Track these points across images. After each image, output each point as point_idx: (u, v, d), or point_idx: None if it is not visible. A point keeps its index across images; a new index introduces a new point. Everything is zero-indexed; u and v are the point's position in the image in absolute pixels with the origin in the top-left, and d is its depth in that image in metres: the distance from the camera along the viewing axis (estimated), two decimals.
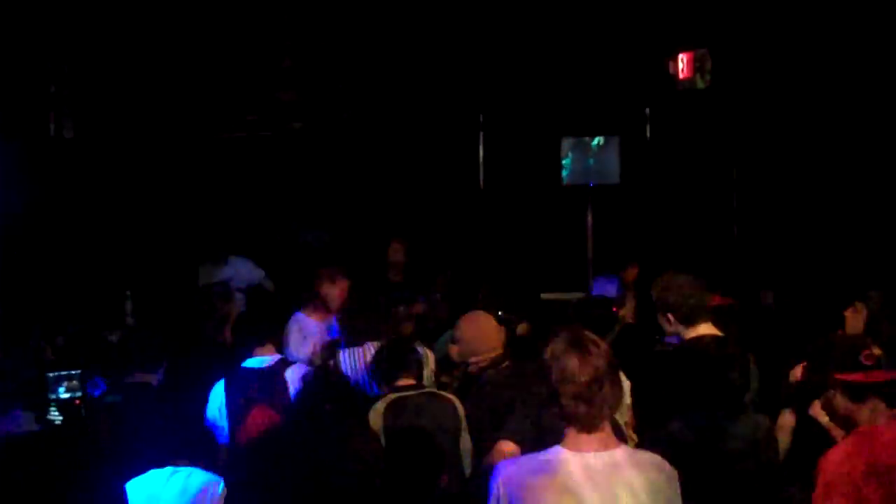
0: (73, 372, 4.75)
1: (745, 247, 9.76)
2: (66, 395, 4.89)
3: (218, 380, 5.60)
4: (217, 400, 5.52)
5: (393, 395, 5.11)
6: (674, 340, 7.43)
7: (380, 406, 5.06)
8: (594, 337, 3.39)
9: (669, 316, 5.04)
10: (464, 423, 5.13)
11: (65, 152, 9.89)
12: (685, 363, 4.53)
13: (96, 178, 9.67)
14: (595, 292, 8.94)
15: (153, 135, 10.52)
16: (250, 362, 5.63)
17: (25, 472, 4.38)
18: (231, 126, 10.98)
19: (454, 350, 5.50)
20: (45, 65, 10.01)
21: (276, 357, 5.70)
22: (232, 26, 10.51)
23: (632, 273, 8.96)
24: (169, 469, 4.64)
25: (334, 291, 6.93)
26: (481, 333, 5.38)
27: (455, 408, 5.19)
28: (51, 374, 4.64)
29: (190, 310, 6.46)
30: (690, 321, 5.01)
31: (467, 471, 5.09)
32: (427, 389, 5.36)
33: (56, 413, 5.89)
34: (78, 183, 9.57)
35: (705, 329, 4.98)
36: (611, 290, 8.78)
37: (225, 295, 6.64)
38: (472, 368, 5.36)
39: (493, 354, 5.31)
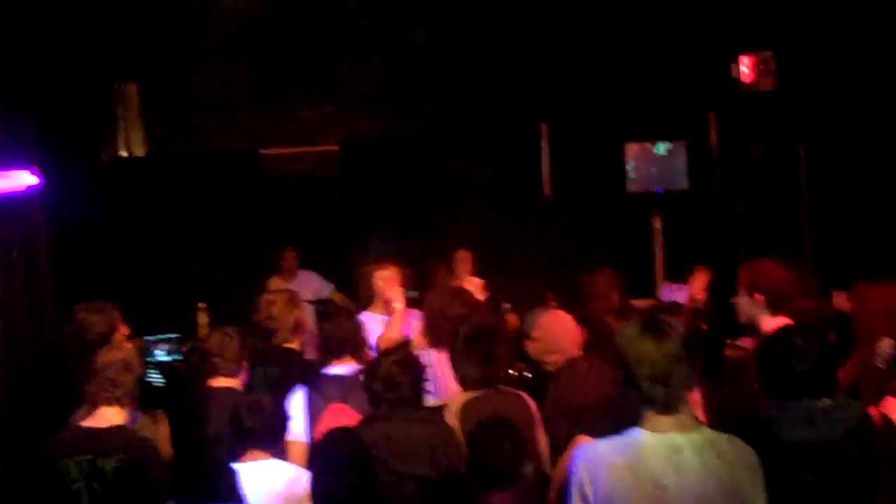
0: (173, 335, 4.82)
1: (816, 251, 9.65)
2: (167, 358, 4.95)
3: (293, 386, 5.70)
4: (298, 403, 5.58)
5: (467, 395, 5.14)
6: (744, 343, 7.42)
7: (453, 406, 5.09)
8: (669, 318, 3.40)
9: (758, 297, 5.02)
10: (537, 418, 5.14)
11: (138, 171, 10.05)
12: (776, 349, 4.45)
13: (169, 194, 9.81)
14: (663, 299, 8.90)
15: (224, 150, 10.66)
16: (331, 370, 5.73)
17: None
18: (298, 139, 11.08)
19: (531, 346, 5.50)
20: (111, 86, 10.18)
21: (356, 366, 5.76)
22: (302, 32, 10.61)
23: (701, 278, 8.84)
24: (252, 464, 4.71)
25: (386, 280, 6.99)
26: (561, 332, 5.40)
27: (526, 403, 5.21)
28: (149, 338, 4.71)
29: (261, 318, 6.51)
30: (776, 307, 4.99)
31: (545, 466, 5.11)
32: (498, 387, 5.37)
33: (157, 375, 6.03)
34: (151, 200, 9.72)
35: (783, 322, 4.95)
36: (679, 296, 8.72)
37: (292, 302, 6.68)
38: (549, 367, 5.37)
39: (571, 354, 5.32)
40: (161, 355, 5.52)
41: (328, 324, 5.97)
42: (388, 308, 6.90)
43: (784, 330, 4.64)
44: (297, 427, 5.55)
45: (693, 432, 3.34)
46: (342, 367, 5.76)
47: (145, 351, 5.92)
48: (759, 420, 4.18)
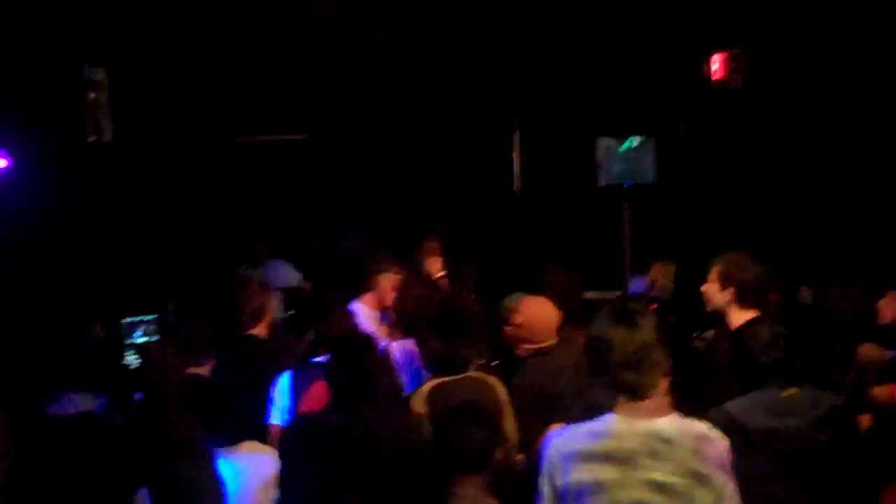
0: (149, 317, 4.80)
1: (781, 245, 9.73)
2: (143, 339, 4.94)
3: (262, 372, 5.72)
4: (283, 387, 5.58)
5: (435, 380, 5.14)
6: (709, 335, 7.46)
7: (424, 389, 5.10)
8: (640, 307, 3.44)
9: (730, 290, 5.05)
10: (505, 403, 5.14)
11: (105, 156, 9.99)
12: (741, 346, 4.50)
13: (136, 180, 9.76)
14: (631, 291, 8.95)
15: (192, 137, 10.61)
16: (320, 358, 5.73)
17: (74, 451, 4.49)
18: (268, 128, 11.06)
19: (509, 331, 5.49)
20: (82, 70, 10.12)
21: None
22: (276, 26, 10.58)
23: (669, 271, 8.89)
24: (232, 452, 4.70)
25: (390, 284, 7.03)
26: (544, 320, 5.38)
27: (494, 388, 5.21)
28: (127, 320, 4.69)
29: (226, 305, 6.49)
30: (745, 303, 5.03)
31: (513, 451, 5.13)
32: (468, 373, 5.37)
33: (134, 357, 6.01)
34: (118, 186, 9.67)
35: (752, 315, 4.99)
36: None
37: (260, 287, 6.66)
38: (519, 352, 5.36)
39: (549, 343, 5.32)
40: (138, 337, 5.52)
41: (323, 320, 5.97)
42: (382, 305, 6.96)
43: (752, 322, 4.71)
44: (280, 412, 5.56)
45: (664, 418, 3.38)
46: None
47: (124, 333, 5.91)
48: (723, 408, 4.21)
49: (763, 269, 5.18)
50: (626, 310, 3.43)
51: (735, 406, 4.19)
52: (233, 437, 4.76)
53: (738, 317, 5.05)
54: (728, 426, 3.61)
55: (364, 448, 4.47)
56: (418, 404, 5.04)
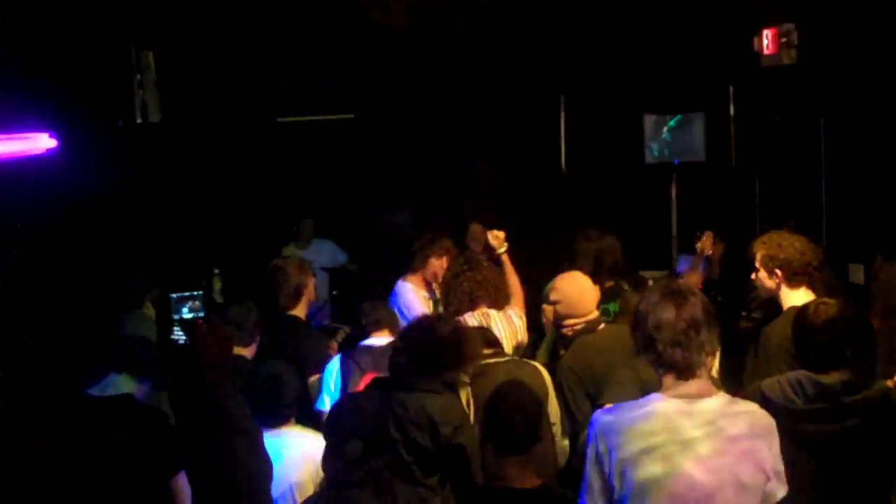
0: (196, 293, 4.78)
1: (832, 224, 9.61)
2: (190, 315, 4.93)
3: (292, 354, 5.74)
4: (331, 373, 5.61)
5: (479, 363, 5.14)
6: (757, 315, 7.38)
7: (468, 371, 5.10)
8: (689, 285, 3.42)
9: (777, 272, 4.99)
10: (551, 389, 5.14)
11: (153, 136, 10.06)
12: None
13: (185, 160, 9.82)
14: (679, 270, 8.87)
15: (237, 118, 10.65)
16: (369, 340, 5.75)
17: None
18: (315, 108, 11.07)
19: (549, 310, 5.49)
20: (129, 53, 10.18)
21: (391, 338, 5.77)
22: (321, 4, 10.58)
23: (707, 242, 8.74)
24: (274, 432, 4.71)
25: (441, 264, 7.04)
26: (582, 294, 5.38)
27: (540, 372, 5.21)
28: (174, 295, 4.68)
29: (267, 285, 6.50)
30: (795, 281, 4.96)
31: (558, 436, 5.11)
32: (511, 357, 5.39)
33: (180, 332, 6.03)
34: (166, 166, 9.73)
35: (804, 296, 4.92)
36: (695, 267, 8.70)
37: (299, 267, 6.66)
38: (566, 331, 5.35)
39: (590, 317, 5.30)
40: (185, 312, 5.53)
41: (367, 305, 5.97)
42: (431, 287, 6.98)
43: (810, 304, 4.59)
44: (330, 397, 5.59)
45: (711, 397, 3.35)
46: (377, 339, 5.78)
47: (172, 308, 5.90)
48: (757, 385, 4.16)
49: (805, 241, 5.10)
50: (673, 287, 3.41)
51: (768, 384, 4.13)
52: (277, 420, 4.77)
53: (791, 297, 4.99)
54: (760, 404, 3.55)
55: (407, 430, 4.50)
56: (461, 384, 5.05)
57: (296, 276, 6.38)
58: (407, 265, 7.42)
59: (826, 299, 4.34)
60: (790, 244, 5.06)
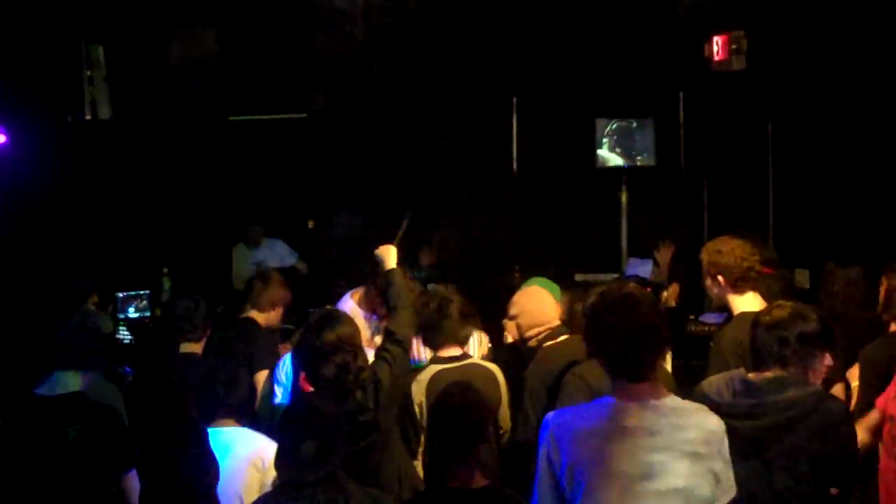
0: (143, 292, 4.74)
1: (779, 228, 9.71)
2: (136, 315, 4.89)
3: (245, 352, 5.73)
4: (285, 365, 5.59)
5: (436, 367, 5.17)
6: (710, 319, 7.42)
7: (423, 378, 5.12)
8: (641, 288, 3.44)
9: (720, 279, 4.99)
10: (504, 391, 5.17)
11: (102, 133, 9.98)
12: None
13: (133, 158, 9.74)
14: (628, 273, 8.94)
15: (189, 116, 10.58)
16: None
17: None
18: (265, 108, 11.03)
19: (511, 326, 5.52)
20: (79, 48, 10.08)
21: None
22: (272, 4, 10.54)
23: (667, 252, 8.92)
24: (218, 430, 4.68)
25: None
26: (540, 305, 5.40)
27: (494, 376, 5.25)
28: (120, 294, 4.63)
29: (246, 290, 6.51)
30: (739, 287, 4.97)
31: (503, 439, 5.15)
32: (469, 360, 5.40)
33: (126, 332, 5.98)
34: (115, 163, 9.65)
35: (752, 300, 4.94)
36: (644, 271, 8.78)
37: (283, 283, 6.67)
38: (531, 343, 5.37)
39: (551, 325, 5.32)
40: (131, 312, 5.51)
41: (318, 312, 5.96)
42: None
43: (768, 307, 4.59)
44: (283, 393, 5.57)
45: (662, 399, 3.37)
46: None
47: (116, 307, 5.88)
48: (699, 386, 4.17)
49: (747, 246, 5.10)
50: (625, 290, 3.43)
51: (707, 382, 4.15)
52: (225, 418, 4.74)
53: (738, 302, 5.01)
54: (701, 402, 3.58)
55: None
56: (418, 392, 5.06)
57: (278, 291, 6.37)
58: (356, 274, 7.27)
59: (782, 302, 4.35)
60: (730, 250, 5.03)
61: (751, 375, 4.04)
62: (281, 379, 5.63)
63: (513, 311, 5.48)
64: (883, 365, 4.97)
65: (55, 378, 4.74)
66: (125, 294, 5.45)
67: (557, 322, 5.37)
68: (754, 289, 5.01)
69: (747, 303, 4.95)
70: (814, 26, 8.87)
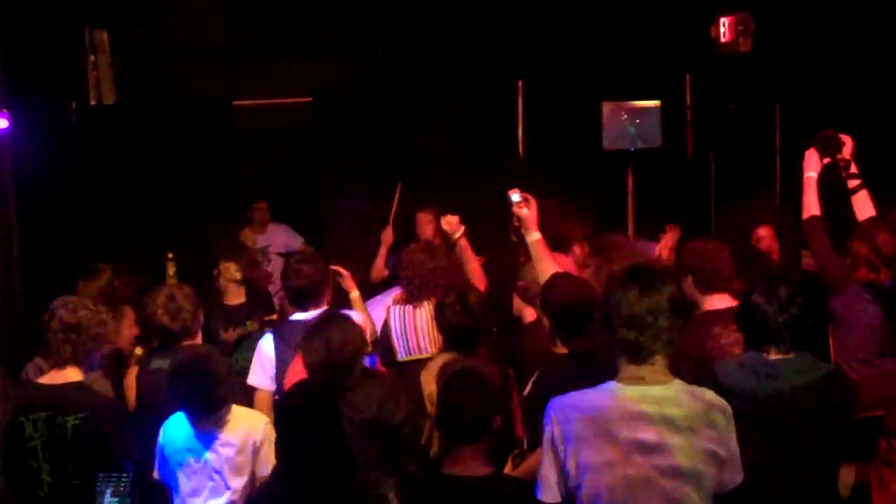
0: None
1: (786, 210, 9.66)
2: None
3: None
4: (266, 348, 5.59)
5: (446, 356, 5.16)
6: None
7: (434, 366, 5.11)
8: (661, 271, 3.41)
9: (689, 279, 5.06)
10: (513, 383, 5.17)
11: (106, 118, 9.97)
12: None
13: (138, 143, 9.72)
14: None
15: (194, 100, 10.56)
16: (297, 315, 5.72)
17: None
18: (271, 90, 10.99)
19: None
20: (83, 33, 10.07)
21: (322, 310, 5.75)
22: None
23: (673, 237, 8.89)
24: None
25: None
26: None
27: (504, 370, 5.26)
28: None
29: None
30: (707, 287, 5.02)
31: (518, 431, 5.14)
32: (479, 350, 5.40)
33: None
34: (120, 148, 9.63)
35: (720, 300, 4.99)
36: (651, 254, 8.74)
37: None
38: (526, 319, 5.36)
39: None
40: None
41: (292, 276, 5.87)
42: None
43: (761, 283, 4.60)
44: (264, 375, 5.56)
45: (665, 384, 3.35)
46: (307, 314, 5.74)
47: None
48: (710, 368, 4.16)
49: (721, 247, 5.19)
50: (643, 270, 3.41)
51: (721, 368, 4.14)
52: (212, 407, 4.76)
53: (708, 303, 5.06)
54: (713, 388, 3.56)
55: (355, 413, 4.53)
56: (429, 381, 5.04)
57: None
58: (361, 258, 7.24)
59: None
60: (700, 252, 5.14)
61: (774, 358, 4.04)
62: (264, 363, 5.61)
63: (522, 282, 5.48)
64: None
65: (57, 368, 4.72)
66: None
67: None
68: (722, 291, 5.07)
69: (714, 305, 5.06)
70: (820, 7, 8.81)
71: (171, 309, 5.37)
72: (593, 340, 4.59)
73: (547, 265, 5.13)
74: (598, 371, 3.55)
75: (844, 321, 5.44)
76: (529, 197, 5.21)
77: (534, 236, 5.19)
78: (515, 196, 5.17)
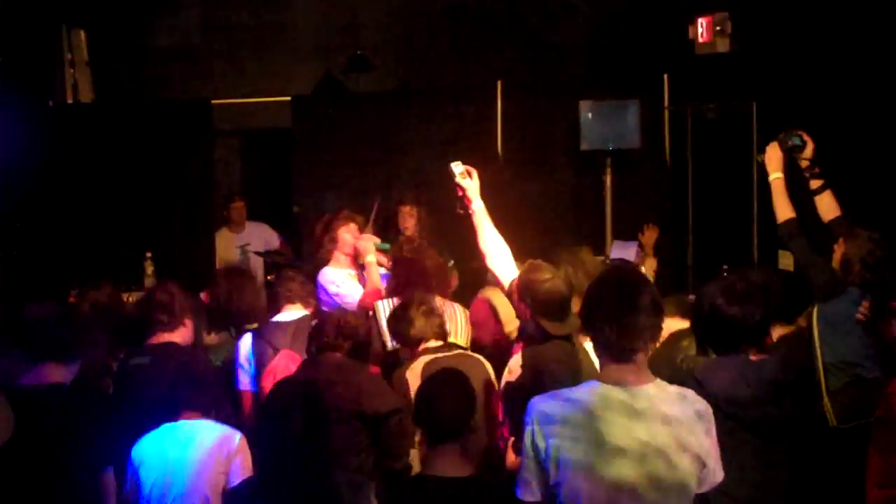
0: None
1: (763, 210, 9.70)
2: None
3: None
4: (245, 349, 5.58)
5: (427, 357, 5.15)
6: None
7: (417, 365, 5.10)
8: (642, 273, 3.45)
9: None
10: (493, 383, 5.17)
11: (84, 117, 9.92)
12: None
13: (115, 142, 9.68)
14: (613, 256, 8.91)
15: (172, 99, 10.53)
16: (279, 316, 5.72)
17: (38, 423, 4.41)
18: (249, 90, 10.98)
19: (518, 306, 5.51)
20: (60, 32, 10.03)
21: (304, 312, 5.76)
22: None
23: (651, 236, 8.96)
24: (181, 423, 4.67)
25: (351, 230, 6.93)
26: None
27: (485, 367, 5.25)
28: None
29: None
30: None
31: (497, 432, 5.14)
32: (459, 350, 5.41)
33: None
34: (97, 147, 9.59)
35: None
36: (628, 254, 8.76)
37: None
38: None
39: None
40: None
41: (277, 280, 5.95)
42: (356, 262, 6.85)
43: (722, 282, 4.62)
44: (245, 377, 5.56)
45: (647, 384, 3.36)
46: (288, 314, 5.76)
47: None
48: (690, 370, 4.18)
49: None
50: (623, 270, 3.44)
51: (701, 369, 4.16)
52: (194, 409, 4.75)
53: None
54: (695, 389, 3.58)
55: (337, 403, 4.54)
56: (413, 379, 5.04)
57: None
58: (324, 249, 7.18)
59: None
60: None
61: (753, 359, 4.07)
62: (244, 365, 5.60)
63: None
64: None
65: (38, 369, 4.68)
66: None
67: None
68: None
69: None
70: (798, 7, 8.84)
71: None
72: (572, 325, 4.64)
73: (489, 234, 5.16)
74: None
75: (833, 325, 5.42)
76: (472, 169, 5.24)
77: (476, 205, 5.21)
78: (458, 167, 5.21)
